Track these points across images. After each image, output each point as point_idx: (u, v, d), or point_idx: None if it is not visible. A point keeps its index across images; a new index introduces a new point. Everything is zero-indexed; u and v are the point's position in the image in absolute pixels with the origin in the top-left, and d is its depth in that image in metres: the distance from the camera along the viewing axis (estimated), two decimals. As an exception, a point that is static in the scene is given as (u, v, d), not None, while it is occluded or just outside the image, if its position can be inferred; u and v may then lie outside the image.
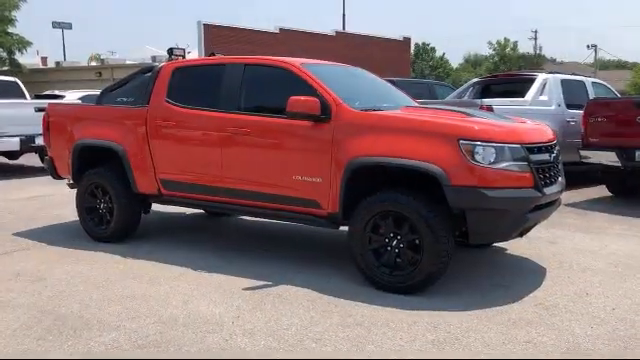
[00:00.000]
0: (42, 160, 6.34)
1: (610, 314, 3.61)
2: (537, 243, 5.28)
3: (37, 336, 3.30)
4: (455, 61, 71.41)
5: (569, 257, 4.92)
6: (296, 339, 3.26)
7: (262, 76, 4.83)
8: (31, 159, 11.36)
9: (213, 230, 6.16)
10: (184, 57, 5.79)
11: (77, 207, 5.59)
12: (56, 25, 39.05)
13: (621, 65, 63.04)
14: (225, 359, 3.06)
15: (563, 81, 9.04)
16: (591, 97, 8.90)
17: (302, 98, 4.18)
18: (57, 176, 5.98)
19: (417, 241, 3.88)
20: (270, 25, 27.34)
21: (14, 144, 10.00)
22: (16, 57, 28.93)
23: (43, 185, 8.64)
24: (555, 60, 64.76)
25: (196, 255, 4.95)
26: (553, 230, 5.74)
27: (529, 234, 4.53)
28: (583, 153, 7.61)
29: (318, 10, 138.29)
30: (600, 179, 8.18)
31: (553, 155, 4.24)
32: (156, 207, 5.88)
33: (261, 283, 4.17)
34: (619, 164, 7.15)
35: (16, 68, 27.60)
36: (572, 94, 8.95)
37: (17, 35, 28.49)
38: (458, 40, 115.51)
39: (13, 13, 28.34)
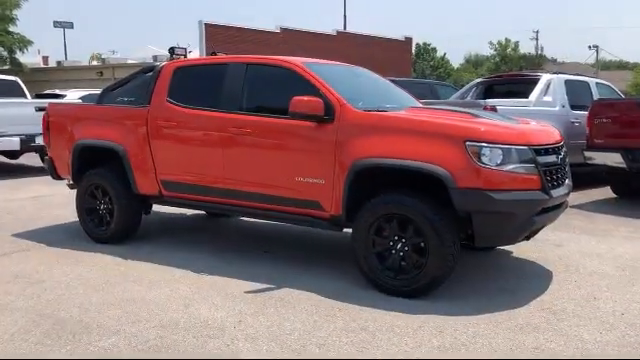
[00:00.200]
0: (42, 160, 6.30)
1: (619, 319, 3.55)
2: (542, 246, 5.21)
3: (35, 340, 3.24)
4: (456, 61, 71.27)
5: (575, 260, 4.85)
6: (299, 344, 3.19)
7: (264, 76, 4.76)
8: (31, 159, 11.30)
9: (213, 231, 6.09)
10: (185, 56, 5.73)
11: (77, 208, 5.53)
12: (57, 24, 39.04)
13: (622, 66, 62.96)
14: (225, 359, 3.01)
15: (567, 82, 8.97)
16: (595, 98, 8.83)
17: (305, 98, 4.11)
18: (57, 176, 5.92)
19: (422, 244, 3.81)
20: (271, 25, 27.31)
21: (14, 143, 9.94)
22: (17, 56, 28.90)
23: (43, 185, 8.57)
24: (556, 60, 64.66)
25: (197, 256, 4.89)
26: (558, 233, 5.67)
27: (535, 237, 4.46)
28: (587, 154, 7.55)
29: (318, 10, 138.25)
30: (605, 180, 8.10)
31: (560, 157, 4.18)
32: (157, 208, 5.82)
33: (263, 286, 4.11)
34: (624, 165, 7.08)
35: (17, 67, 27.55)
36: (576, 95, 8.88)
37: (18, 34, 28.44)
38: (459, 40, 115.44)
39: (14, 12, 28.30)
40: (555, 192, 3.96)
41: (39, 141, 9.29)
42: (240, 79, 4.72)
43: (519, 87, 9.17)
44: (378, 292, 3.94)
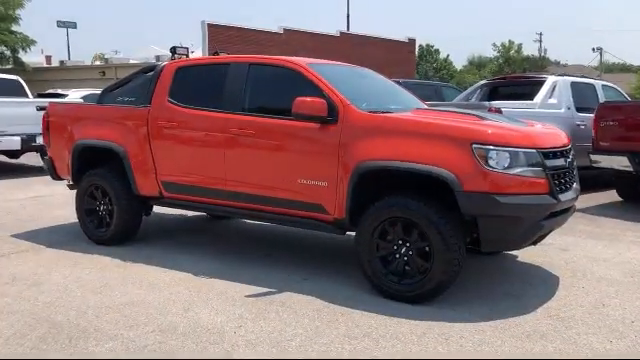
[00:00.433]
0: (43, 160, 6.24)
1: (629, 327, 3.46)
2: (548, 250, 5.12)
3: (31, 345, 3.17)
4: (459, 63, 71.26)
5: (582, 265, 4.76)
6: (300, 351, 3.11)
7: (267, 76, 4.69)
8: (32, 158, 11.25)
9: (214, 233, 6.02)
10: (187, 56, 5.65)
11: (76, 209, 5.46)
12: (61, 24, 39.11)
13: (626, 68, 62.75)
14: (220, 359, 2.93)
15: (573, 84, 8.88)
16: (601, 100, 8.74)
17: (308, 99, 4.04)
18: (56, 177, 5.85)
19: (427, 248, 3.73)
20: (274, 25, 27.27)
21: (15, 143, 9.88)
22: (20, 56, 28.92)
23: (43, 185, 8.51)
24: (559, 63, 64.53)
25: (197, 259, 4.81)
26: (564, 237, 5.57)
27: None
28: (593, 157, 7.46)
29: (319, 10, 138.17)
30: (611, 183, 8.01)
31: (568, 160, 4.09)
32: (157, 209, 5.75)
33: (264, 290, 4.03)
34: (631, 169, 6.99)
35: (19, 67, 27.57)
36: (582, 97, 8.80)
37: (21, 34, 28.46)
38: (462, 42, 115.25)
39: (17, 12, 28.33)
40: (563, 196, 3.88)
41: (40, 141, 9.22)
42: (242, 79, 4.64)
43: (524, 89, 9.08)
44: (382, 297, 3.86)
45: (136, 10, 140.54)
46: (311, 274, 4.42)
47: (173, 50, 5.58)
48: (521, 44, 58.60)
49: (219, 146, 4.60)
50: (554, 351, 3.13)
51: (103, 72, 27.19)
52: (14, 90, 10.99)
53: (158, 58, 22.98)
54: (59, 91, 15.55)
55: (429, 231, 3.67)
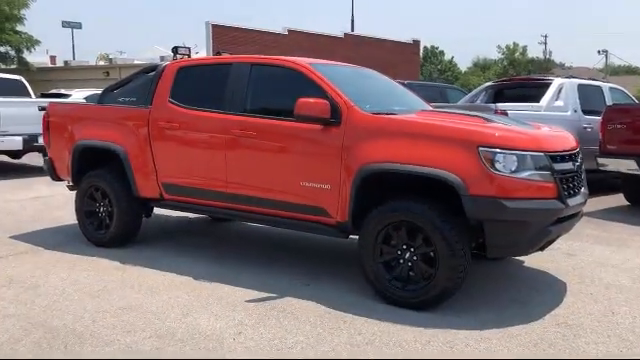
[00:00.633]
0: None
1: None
2: (555, 255, 5.02)
3: (25, 350, 3.10)
4: (464, 65, 71.02)
5: (590, 271, 4.66)
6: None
7: (269, 77, 4.61)
8: (34, 158, 11.20)
9: (215, 235, 5.94)
10: (189, 56, 5.58)
11: (76, 210, 5.39)
12: (66, 24, 39.19)
13: (631, 71, 62.48)
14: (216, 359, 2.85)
15: (580, 86, 8.78)
16: (608, 103, 8.64)
17: (311, 100, 3.95)
18: (56, 177, 5.79)
19: (432, 254, 3.64)
20: (278, 26, 27.20)
21: (17, 143, 9.83)
22: (25, 56, 28.94)
23: (44, 185, 8.44)
24: (564, 65, 64.27)
25: (198, 262, 4.73)
26: (570, 241, 5.46)
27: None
28: (600, 161, 7.35)
29: (320, 10, 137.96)
30: (618, 187, 7.90)
31: (577, 164, 4.00)
32: (157, 210, 5.67)
33: (265, 295, 3.95)
34: (638, 172, 6.88)
35: (24, 67, 27.59)
36: (589, 100, 8.69)
37: (25, 34, 28.46)
38: (467, 43, 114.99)
39: (22, 11, 28.33)
40: (571, 201, 3.78)
41: (42, 141, 9.19)
42: (244, 80, 4.57)
43: (530, 91, 8.97)
44: (385, 303, 3.77)
45: (141, 11, 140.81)
46: (313, 279, 4.33)
47: (175, 50, 5.51)
48: (526, 46, 58.57)
49: (220, 147, 4.53)
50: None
51: (107, 72, 27.19)
52: (17, 90, 10.96)
53: (163, 58, 22.99)
54: (62, 91, 15.53)
55: (434, 236, 3.58)
